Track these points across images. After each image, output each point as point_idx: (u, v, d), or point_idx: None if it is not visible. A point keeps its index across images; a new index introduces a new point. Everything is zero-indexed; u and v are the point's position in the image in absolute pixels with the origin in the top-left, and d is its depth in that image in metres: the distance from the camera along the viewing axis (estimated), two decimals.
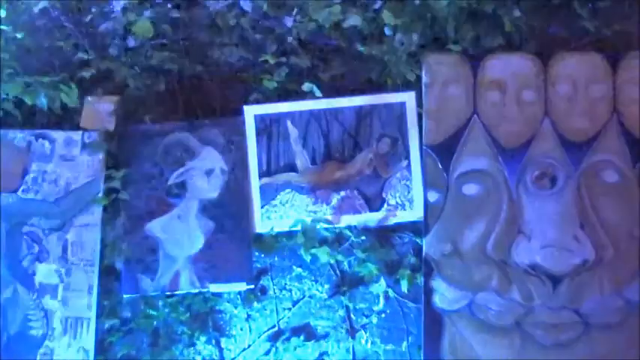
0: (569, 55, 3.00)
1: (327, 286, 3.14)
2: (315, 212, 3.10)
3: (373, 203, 3.08)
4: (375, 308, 3.09)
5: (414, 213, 3.05)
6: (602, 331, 2.89)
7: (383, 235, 3.09)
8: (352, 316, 3.11)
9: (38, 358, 3.13)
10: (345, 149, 3.12)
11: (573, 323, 2.90)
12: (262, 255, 3.16)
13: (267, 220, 3.13)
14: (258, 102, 3.16)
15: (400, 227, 3.08)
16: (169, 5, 3.22)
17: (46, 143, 3.22)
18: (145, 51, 3.22)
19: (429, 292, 2.97)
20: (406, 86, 3.07)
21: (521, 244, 2.94)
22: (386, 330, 3.08)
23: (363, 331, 3.10)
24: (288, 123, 3.14)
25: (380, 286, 3.07)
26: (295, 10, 3.13)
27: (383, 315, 3.09)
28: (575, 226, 2.92)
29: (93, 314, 3.13)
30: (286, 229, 3.11)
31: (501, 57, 3.02)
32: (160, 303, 3.16)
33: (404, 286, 3.02)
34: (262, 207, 3.13)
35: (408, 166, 3.07)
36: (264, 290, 3.17)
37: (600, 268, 2.90)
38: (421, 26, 3.03)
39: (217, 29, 3.22)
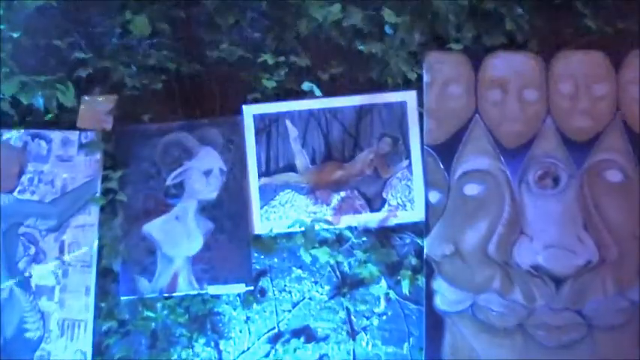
0: (571, 54, 3.00)
1: (327, 288, 3.12)
2: (314, 213, 3.09)
3: (374, 203, 3.07)
4: (376, 310, 3.08)
5: (415, 213, 3.03)
6: (605, 333, 2.88)
7: (383, 235, 3.08)
8: (353, 317, 3.09)
9: None
10: (345, 149, 3.10)
11: (576, 325, 2.89)
12: (261, 256, 3.15)
13: (266, 220, 3.11)
14: (257, 101, 3.15)
15: (401, 228, 3.07)
16: (167, 3, 3.20)
17: (43, 143, 3.20)
18: (143, 50, 3.21)
19: (430, 293, 2.95)
20: (407, 85, 3.06)
21: (523, 244, 2.93)
22: (387, 332, 3.07)
23: (363, 333, 3.08)
24: (288, 122, 3.12)
25: (381, 288, 3.06)
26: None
27: (384, 317, 3.07)
28: (578, 226, 2.91)
29: (90, 316, 3.11)
30: (286, 229, 3.09)
31: (503, 56, 3.02)
32: (158, 305, 3.13)
33: (405, 288, 3.01)
34: (261, 207, 3.11)
35: (409, 166, 3.06)
36: (263, 292, 3.15)
37: (603, 269, 2.89)
38: (422, 25, 3.03)
39: (216, 28, 3.20)
